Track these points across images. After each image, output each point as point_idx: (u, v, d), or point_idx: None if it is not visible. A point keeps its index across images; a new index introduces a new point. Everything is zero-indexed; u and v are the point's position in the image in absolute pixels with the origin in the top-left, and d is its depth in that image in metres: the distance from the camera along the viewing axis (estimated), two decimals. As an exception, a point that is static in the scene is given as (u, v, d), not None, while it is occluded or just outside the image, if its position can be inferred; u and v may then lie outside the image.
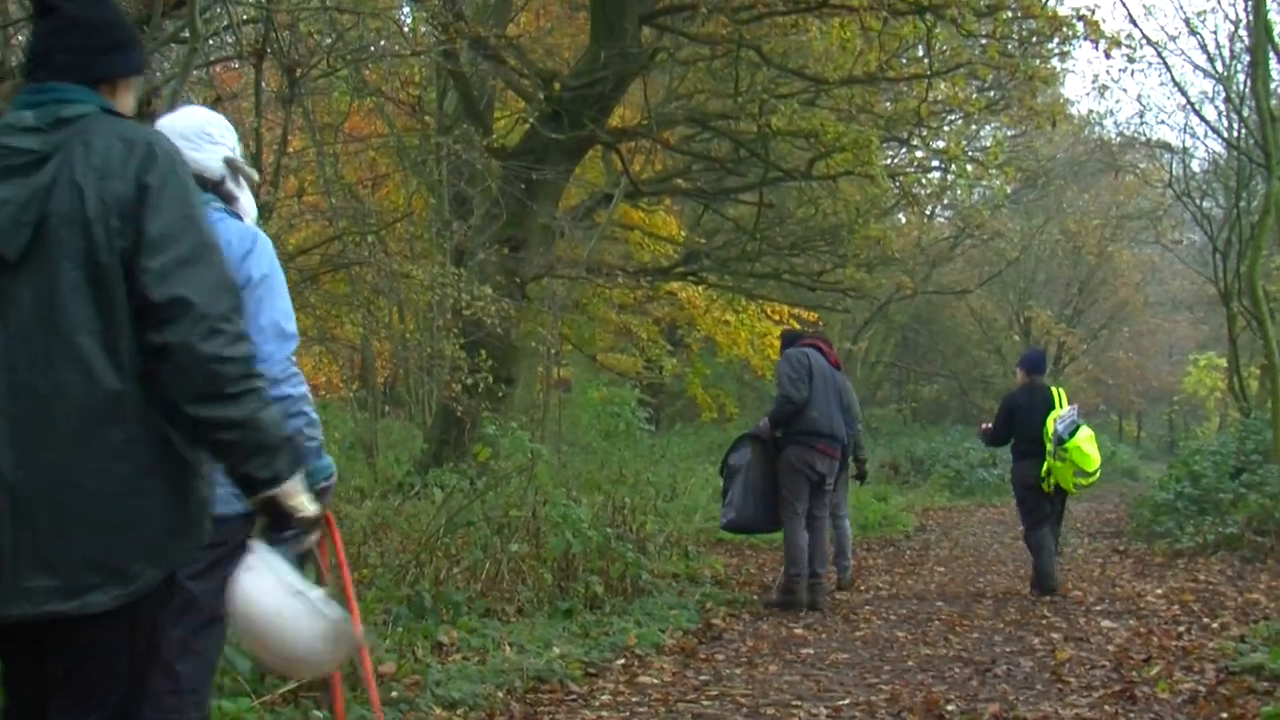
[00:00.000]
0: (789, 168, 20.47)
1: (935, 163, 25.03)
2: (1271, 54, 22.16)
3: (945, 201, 35.61)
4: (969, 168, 20.99)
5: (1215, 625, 10.81)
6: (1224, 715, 7.41)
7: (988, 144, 25.30)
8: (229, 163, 4.71)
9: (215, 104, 11.92)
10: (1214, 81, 30.34)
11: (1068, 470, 12.84)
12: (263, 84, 13.67)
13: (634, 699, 8.15)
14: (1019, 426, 13.30)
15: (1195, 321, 50.52)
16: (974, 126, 27.25)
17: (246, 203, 4.77)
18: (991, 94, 21.87)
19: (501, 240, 16.39)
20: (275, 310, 4.49)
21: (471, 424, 15.35)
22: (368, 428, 19.14)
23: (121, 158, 3.31)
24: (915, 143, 22.93)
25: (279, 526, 3.53)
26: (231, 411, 3.30)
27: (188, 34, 9.59)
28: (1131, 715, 7.55)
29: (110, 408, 3.23)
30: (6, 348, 3.20)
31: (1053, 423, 12.80)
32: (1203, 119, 33.69)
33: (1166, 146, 35.12)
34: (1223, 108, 31.20)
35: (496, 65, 17.28)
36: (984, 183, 24.56)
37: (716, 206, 24.71)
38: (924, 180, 27.67)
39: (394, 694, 7.34)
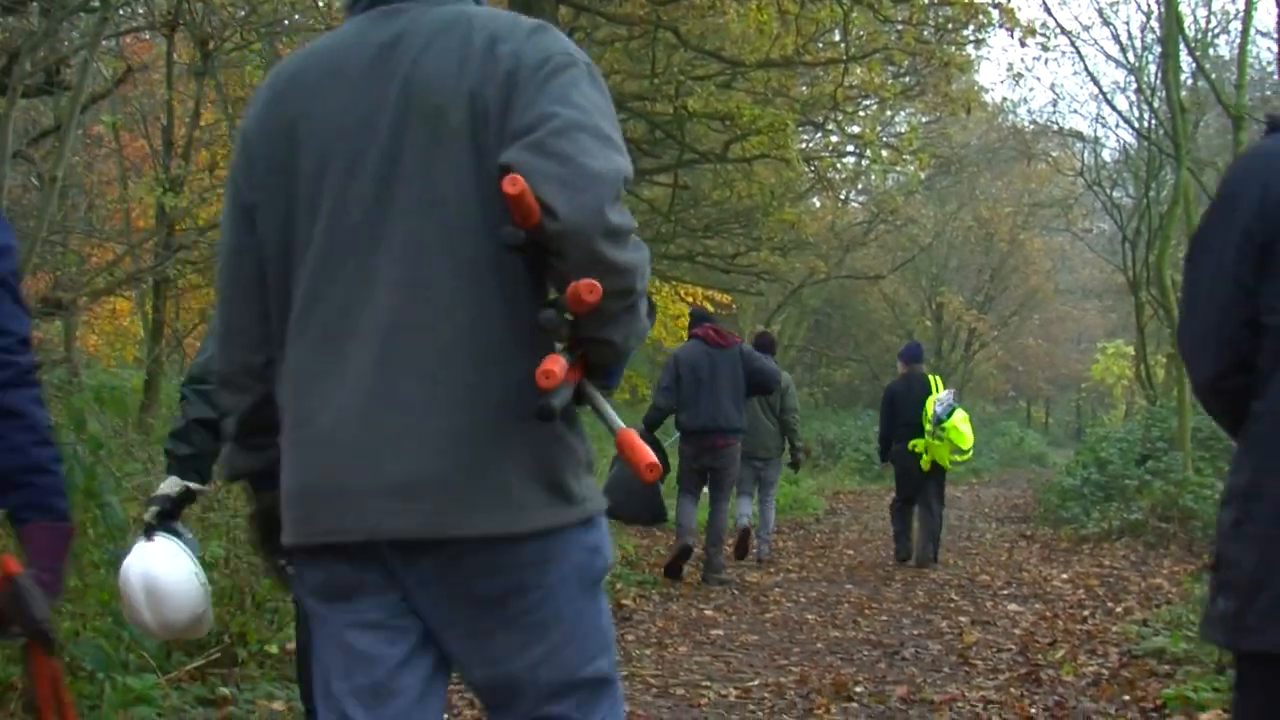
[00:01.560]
0: (705, 150, 20.46)
1: (850, 147, 25.11)
2: (1182, 46, 22.37)
3: (859, 186, 35.78)
4: (884, 153, 21.07)
5: (1119, 610, 10.96)
6: (1126, 697, 7.52)
7: (902, 130, 25.42)
8: None
9: (125, 75, 11.79)
10: (1126, 72, 30.66)
11: (945, 449, 13.80)
12: (175, 56, 13.54)
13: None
14: (900, 412, 14.29)
15: (1104, 310, 51.03)
16: (889, 112, 27.33)
17: None
18: (907, 80, 21.95)
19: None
20: None
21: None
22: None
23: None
24: (830, 127, 23.01)
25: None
26: None
27: (98, 2, 9.48)
28: (1036, 697, 7.64)
29: None
30: None
31: (931, 405, 13.69)
32: (1114, 109, 34.12)
33: (1078, 135, 35.44)
34: (1134, 98, 31.51)
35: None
36: (898, 168, 24.67)
37: (630, 188, 24.63)
38: (839, 165, 27.76)
39: (302, 672, 7.33)
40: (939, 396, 13.93)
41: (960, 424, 13.74)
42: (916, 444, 13.95)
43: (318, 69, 2.90)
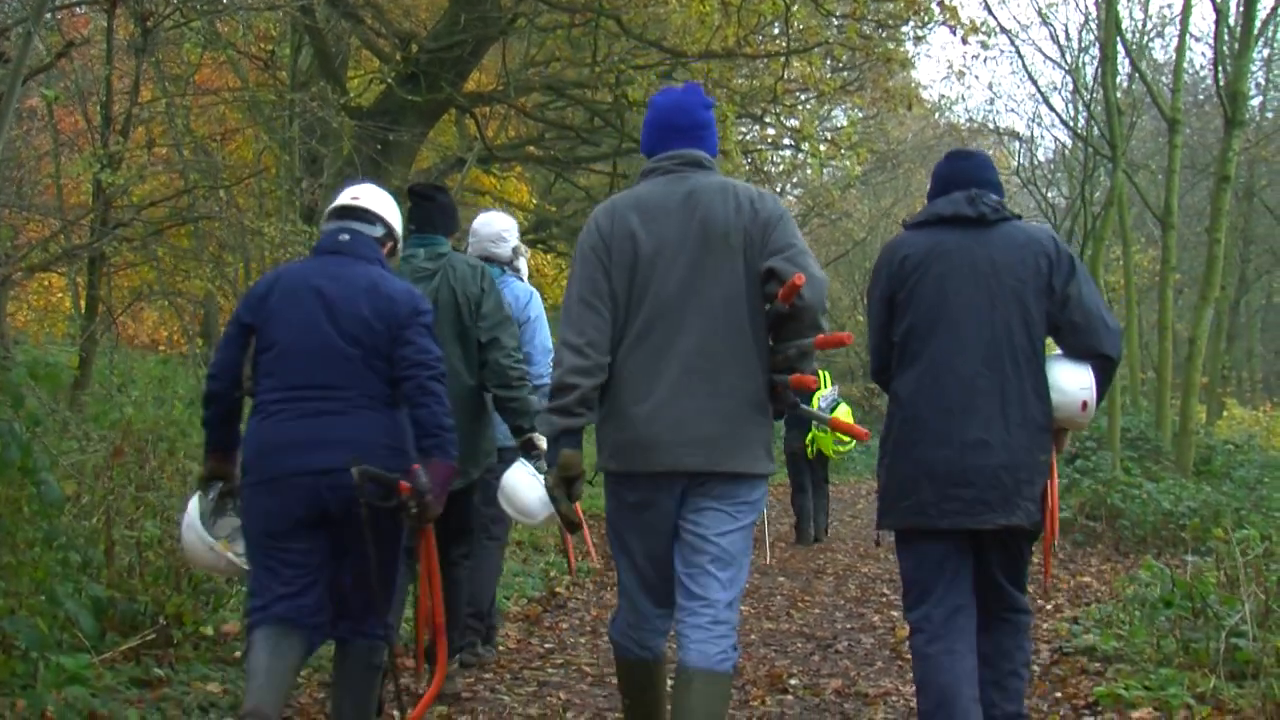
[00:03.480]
0: (643, 138, 20.41)
1: (787, 140, 25.14)
2: (1120, 48, 22.55)
3: (795, 180, 35.83)
4: (821, 147, 21.11)
5: (1049, 607, 11.04)
6: (1058, 694, 7.58)
7: (840, 124, 25.47)
8: (514, 250, 8.42)
9: (66, 50, 11.65)
10: (1063, 72, 30.85)
11: (829, 440, 16.17)
12: (114, 31, 13.40)
13: (479, 666, 8.16)
14: None
15: (1035, 309, 51.28)
16: (826, 106, 27.39)
17: (523, 271, 8.54)
18: (845, 75, 22.01)
19: (355, 201, 16.15)
20: (543, 337, 8.16)
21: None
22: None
23: (472, 275, 7.11)
24: (769, 120, 23.01)
25: (529, 452, 7.06)
26: (514, 394, 7.07)
27: (41, -24, 9.37)
28: (970, 692, 7.67)
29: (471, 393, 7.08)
30: None
31: (818, 400, 14.92)
32: (1051, 109, 34.27)
33: (1015, 135, 35.64)
34: (1069, 98, 31.73)
35: (353, 23, 17.08)
36: (835, 162, 24.72)
37: (568, 175, 24.59)
38: (776, 158, 27.81)
39: (237, 654, 7.28)
40: (825, 393, 15.59)
41: (843, 418, 15.09)
42: (813, 435, 16.09)
43: (646, 205, 5.26)
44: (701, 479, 5.12)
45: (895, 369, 5.63)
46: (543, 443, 6.20)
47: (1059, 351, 5.63)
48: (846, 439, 15.68)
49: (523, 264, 8.57)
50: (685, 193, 5.21)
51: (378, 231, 5.88)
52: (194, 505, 5.81)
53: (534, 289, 8.24)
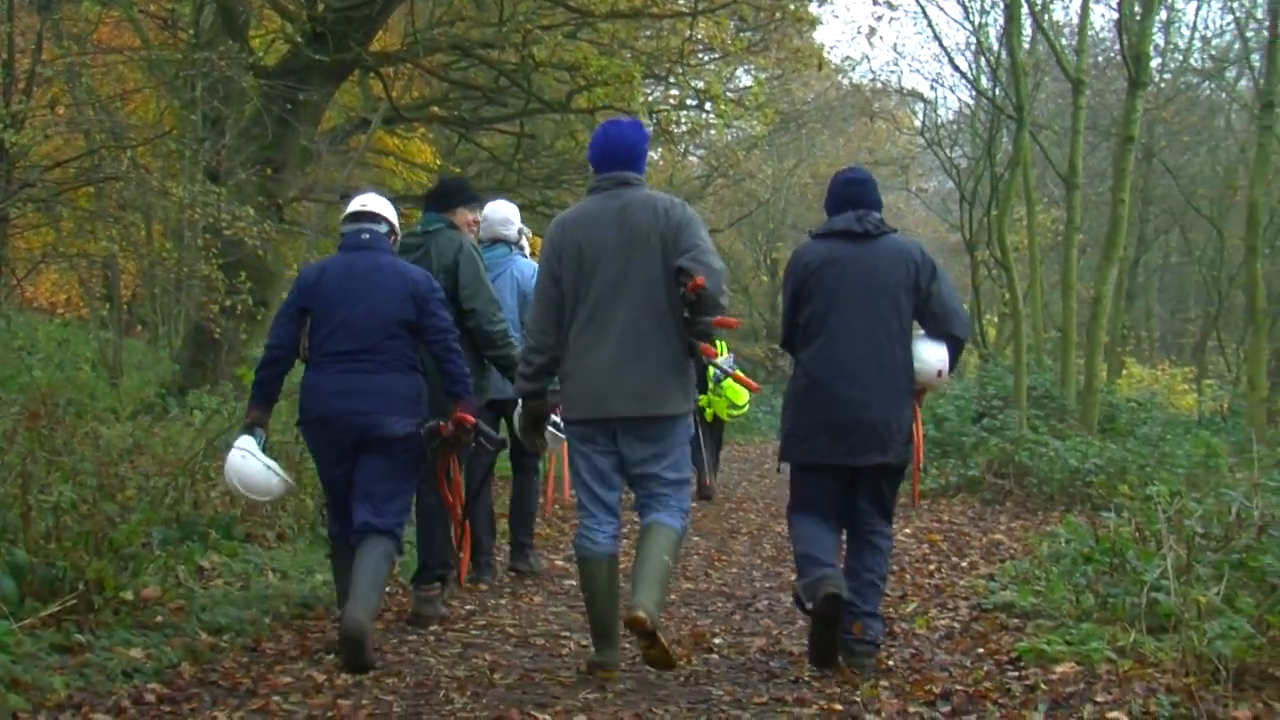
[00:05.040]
0: (549, 99, 20.33)
1: (692, 101, 25.09)
2: (1024, 7, 22.70)
3: (698, 141, 35.77)
4: (726, 107, 21.10)
5: (964, 564, 11.16)
6: (980, 650, 7.65)
7: (743, 85, 25.46)
8: (519, 231, 10.44)
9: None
10: (968, 33, 30.99)
11: (723, 404, 17.16)
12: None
13: (403, 627, 8.13)
14: None
15: (936, 268, 51.51)
16: (731, 67, 27.34)
17: (526, 249, 10.52)
18: (749, 35, 21.98)
19: (261, 161, 16.00)
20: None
21: (229, 346, 15.07)
22: (111, 347, 18.60)
23: (449, 248, 8.59)
24: (674, 80, 22.96)
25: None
26: (500, 351, 8.68)
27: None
28: (894, 650, 7.74)
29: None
30: None
31: (712, 368, 14.99)
32: (958, 70, 34.42)
33: (919, 96, 35.78)
34: (972, 59, 31.91)
35: (259, -20, 16.88)
36: (741, 123, 24.72)
37: (472, 136, 24.44)
38: (680, 118, 27.75)
39: (159, 619, 7.21)
40: (721, 359, 15.05)
41: (736, 384, 16.22)
42: (700, 399, 16.28)
43: (589, 218, 7.10)
44: (636, 424, 7.04)
45: (800, 343, 7.47)
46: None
47: (922, 333, 7.46)
48: (740, 404, 17.50)
49: (525, 243, 10.60)
50: (619, 207, 7.08)
51: (384, 229, 7.77)
52: (248, 441, 7.43)
53: (535, 264, 8.62)
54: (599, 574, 7.11)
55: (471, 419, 7.60)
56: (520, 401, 7.67)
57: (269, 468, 7.40)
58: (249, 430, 7.48)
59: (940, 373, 7.40)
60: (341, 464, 7.44)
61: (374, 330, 7.41)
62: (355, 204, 7.89)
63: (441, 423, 7.52)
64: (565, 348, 7.12)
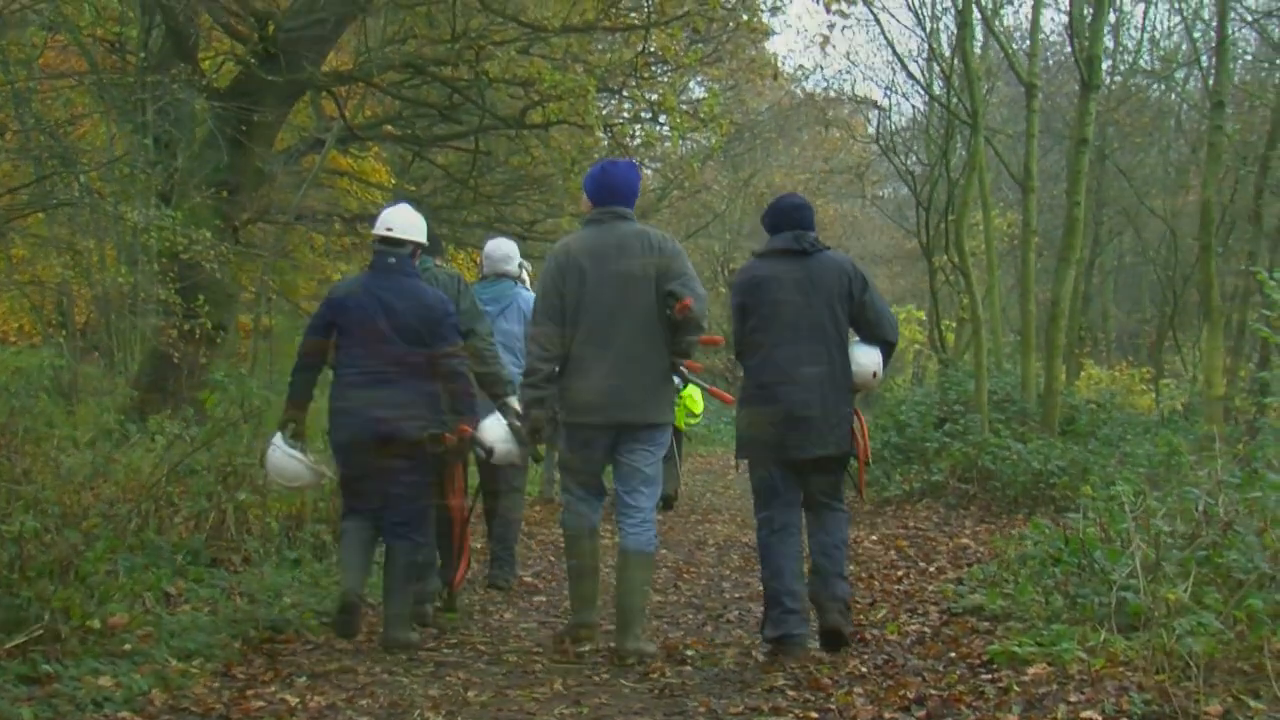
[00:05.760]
0: (504, 115, 20.28)
1: (646, 114, 25.06)
2: (976, 13, 22.79)
3: (654, 153, 35.75)
4: (681, 120, 21.08)
5: (932, 569, 11.20)
6: (952, 654, 7.68)
7: (697, 97, 25.44)
8: (521, 266, 11.03)
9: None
10: (920, 39, 31.04)
11: (681, 412, 17.64)
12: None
13: (375, 647, 8.10)
14: None
15: (893, 275, 51.59)
16: (685, 79, 27.33)
17: (527, 281, 11.06)
18: (702, 46, 21.97)
19: (216, 183, 15.91)
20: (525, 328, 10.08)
21: (189, 370, 14.97)
22: (67, 373, 18.43)
23: (449, 284, 9.08)
24: (628, 94, 22.94)
25: (505, 413, 8.85)
26: (489, 369, 9.00)
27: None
28: (865, 657, 7.78)
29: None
30: None
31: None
32: (911, 76, 34.51)
33: (873, 103, 35.81)
34: (924, 65, 31.97)
35: (208, 2, 16.76)
36: (696, 135, 24.69)
37: (427, 154, 24.36)
38: (635, 131, 27.72)
39: (127, 646, 7.14)
40: (700, 375, 15.66)
41: (694, 393, 17.85)
42: None
43: (590, 246, 8.12)
44: (631, 428, 8.06)
45: (747, 352, 8.36)
46: (517, 406, 8.64)
47: (858, 339, 8.33)
48: (696, 414, 19.29)
49: (525, 276, 11.22)
50: (616, 239, 8.09)
51: (407, 251, 8.49)
52: (277, 437, 8.50)
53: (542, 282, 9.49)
54: (584, 544, 8.24)
55: (470, 430, 8.42)
56: (524, 409, 8.34)
57: (292, 456, 8.41)
58: (281, 427, 8.52)
59: (875, 374, 8.28)
60: (362, 465, 8.27)
61: (392, 346, 8.18)
62: (380, 225, 8.56)
63: (446, 433, 8.29)
64: (564, 361, 8.10)
